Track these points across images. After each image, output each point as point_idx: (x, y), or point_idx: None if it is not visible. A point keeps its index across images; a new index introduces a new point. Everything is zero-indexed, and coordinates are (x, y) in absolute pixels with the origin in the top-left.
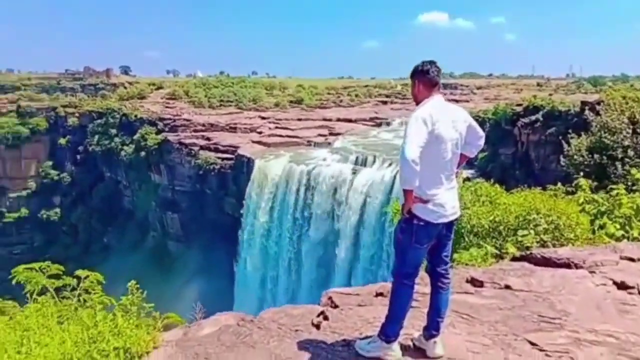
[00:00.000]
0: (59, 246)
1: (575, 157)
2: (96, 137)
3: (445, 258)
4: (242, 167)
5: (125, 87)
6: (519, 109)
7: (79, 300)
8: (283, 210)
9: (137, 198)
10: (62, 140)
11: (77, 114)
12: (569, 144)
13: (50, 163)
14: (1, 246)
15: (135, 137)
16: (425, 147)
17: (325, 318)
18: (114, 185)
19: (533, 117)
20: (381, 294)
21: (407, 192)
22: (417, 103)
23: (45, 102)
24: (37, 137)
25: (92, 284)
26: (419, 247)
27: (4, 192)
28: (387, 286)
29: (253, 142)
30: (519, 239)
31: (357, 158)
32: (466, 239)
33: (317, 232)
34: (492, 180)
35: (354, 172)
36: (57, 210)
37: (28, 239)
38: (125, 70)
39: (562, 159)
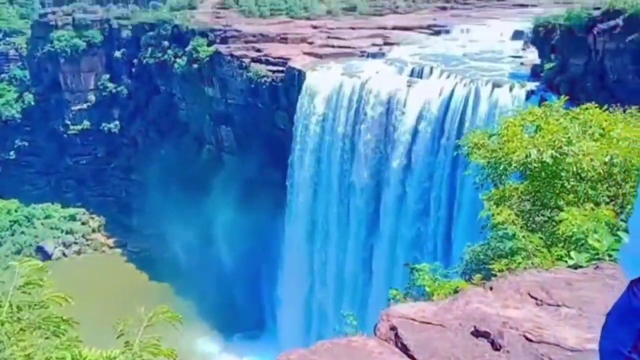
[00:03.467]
0: (121, 157)
1: None
2: (149, 49)
3: None
4: (293, 80)
5: None
6: (596, 13)
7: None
8: (334, 125)
9: (191, 111)
10: (118, 53)
11: (130, 26)
12: None
13: (108, 76)
14: (68, 156)
15: (187, 48)
16: None
17: None
18: (169, 98)
19: (612, 23)
20: (485, 335)
21: None
22: None
23: (98, 14)
24: (93, 50)
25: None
26: None
27: (67, 105)
28: (491, 320)
29: (304, 53)
30: None
31: (412, 69)
32: (568, 184)
33: (366, 161)
34: (561, 94)
35: (409, 85)
36: (117, 122)
37: (92, 150)
38: None
39: None
